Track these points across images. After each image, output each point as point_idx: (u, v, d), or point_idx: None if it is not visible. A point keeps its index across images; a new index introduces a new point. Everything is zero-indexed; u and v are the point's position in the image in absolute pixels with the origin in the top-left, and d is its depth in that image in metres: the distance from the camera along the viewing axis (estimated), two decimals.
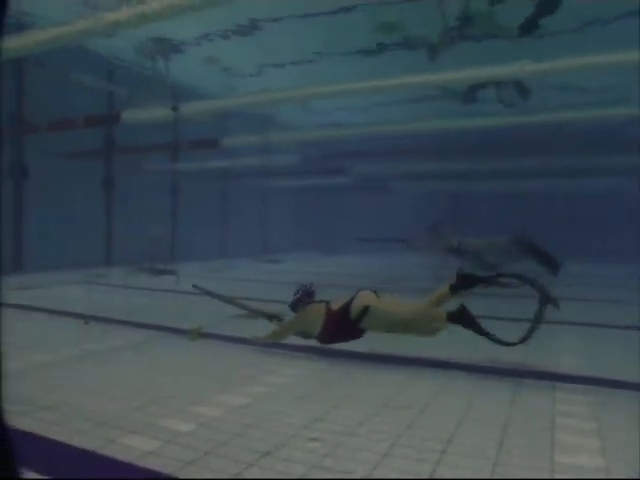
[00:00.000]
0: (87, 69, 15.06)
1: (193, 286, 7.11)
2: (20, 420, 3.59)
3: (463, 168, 21.13)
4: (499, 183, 21.98)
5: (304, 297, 5.78)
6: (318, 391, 4.40)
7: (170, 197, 20.54)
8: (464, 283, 5.17)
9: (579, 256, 18.37)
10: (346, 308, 5.29)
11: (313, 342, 5.70)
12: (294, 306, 5.82)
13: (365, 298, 5.28)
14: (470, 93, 14.48)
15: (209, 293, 6.96)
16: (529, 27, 11.35)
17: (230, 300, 6.82)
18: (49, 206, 15.36)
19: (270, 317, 6.18)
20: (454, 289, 5.18)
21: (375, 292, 5.44)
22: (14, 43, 7.97)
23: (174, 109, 10.99)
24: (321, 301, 5.65)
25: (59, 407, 3.87)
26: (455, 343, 6.04)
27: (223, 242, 23.70)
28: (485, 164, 19.34)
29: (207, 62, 15.78)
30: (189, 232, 20.68)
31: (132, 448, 3.15)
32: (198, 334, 6.28)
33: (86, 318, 7.43)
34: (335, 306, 5.44)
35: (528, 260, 10.90)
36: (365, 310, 5.17)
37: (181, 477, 2.81)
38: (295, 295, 5.84)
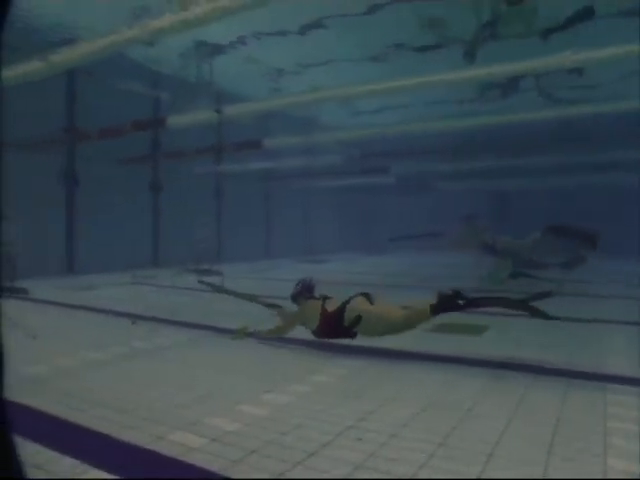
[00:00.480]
0: (133, 76, 15.48)
1: (199, 282, 7.56)
2: (73, 414, 3.71)
3: (507, 164, 20.66)
4: (545, 179, 21.38)
5: (304, 290, 6.07)
6: (363, 390, 4.37)
7: (215, 199, 20.90)
8: (445, 305, 5.09)
9: (624, 254, 17.80)
10: (340, 313, 5.48)
11: (355, 341, 5.70)
12: (294, 298, 6.10)
13: (358, 306, 5.45)
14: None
15: (217, 289, 7.39)
16: (561, 28, 11.12)
17: (238, 294, 7.16)
18: (98, 211, 15.84)
19: (270, 307, 6.60)
20: (435, 310, 5.11)
21: (369, 297, 5.59)
22: (64, 56, 8.26)
23: (217, 112, 11.14)
24: (320, 297, 5.88)
25: (109, 404, 3.97)
26: (500, 342, 5.94)
27: (268, 243, 23.94)
28: (530, 159, 18.83)
29: (249, 63, 15.98)
30: (234, 233, 21.00)
31: (179, 445, 3.20)
32: (244, 334, 6.35)
33: (134, 318, 7.62)
34: (331, 307, 5.63)
35: (566, 249, 10.71)
36: (357, 319, 5.37)
37: (227, 475, 2.84)
38: (296, 287, 6.13)
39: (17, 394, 4.19)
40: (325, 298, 5.85)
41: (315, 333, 5.77)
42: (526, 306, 5.25)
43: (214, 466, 2.91)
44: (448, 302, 5.08)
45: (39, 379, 4.68)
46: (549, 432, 3.41)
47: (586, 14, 10.57)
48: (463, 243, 12.50)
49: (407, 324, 5.26)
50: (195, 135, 16.53)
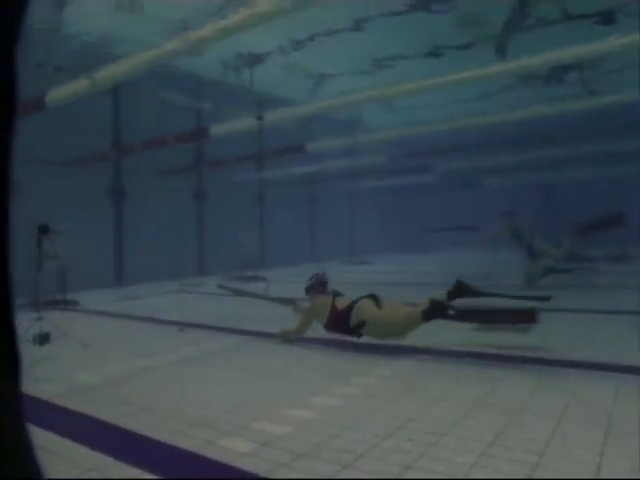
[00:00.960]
0: (176, 87, 15.80)
1: (219, 286, 7.89)
2: (124, 420, 3.76)
3: (554, 157, 20.09)
4: (592, 169, 20.72)
5: (317, 285, 6.35)
6: (410, 390, 4.29)
7: (258, 205, 21.12)
8: (436, 311, 5.30)
9: None
10: (347, 313, 5.72)
11: (398, 341, 5.71)
12: (307, 291, 6.42)
13: (364, 310, 5.62)
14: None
15: (235, 291, 7.86)
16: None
17: (256, 295, 7.55)
18: (145, 221, 16.20)
19: (285, 302, 6.81)
20: (426, 316, 5.31)
21: (376, 298, 5.77)
22: (108, 73, 8.48)
23: (259, 118, 11.22)
24: (331, 292, 6.17)
25: (159, 409, 4.02)
26: (547, 338, 5.77)
27: (313, 246, 24.01)
28: (581, 150, 18.21)
29: (289, 69, 16.12)
30: (279, 238, 21.15)
31: (229, 450, 3.19)
32: (285, 338, 6.36)
33: (181, 325, 7.73)
34: (340, 304, 5.87)
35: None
36: (362, 323, 5.60)
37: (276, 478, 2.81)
38: (310, 281, 6.44)
39: (69, 401, 4.28)
40: (336, 294, 6.09)
41: (325, 327, 6.03)
42: (515, 315, 5.40)
43: (263, 469, 2.89)
44: (438, 309, 5.29)
45: (90, 386, 4.77)
46: (601, 432, 3.25)
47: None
48: (497, 237, 12.56)
49: (404, 329, 5.46)
50: (239, 143, 16.76)
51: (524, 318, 5.30)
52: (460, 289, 5.43)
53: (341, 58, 15.58)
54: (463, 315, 5.38)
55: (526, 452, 2.99)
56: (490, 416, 3.60)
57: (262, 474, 2.86)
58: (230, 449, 3.20)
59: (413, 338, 5.77)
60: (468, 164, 20.53)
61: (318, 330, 6.24)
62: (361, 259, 21.85)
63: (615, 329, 6.40)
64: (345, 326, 5.77)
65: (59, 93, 9.29)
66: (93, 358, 5.97)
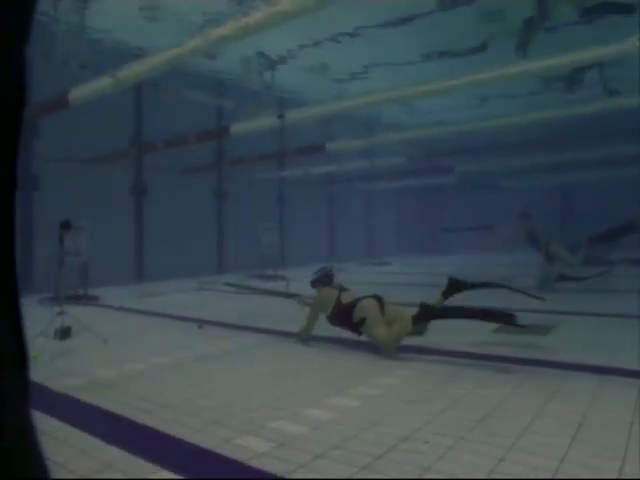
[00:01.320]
0: (198, 87, 15.88)
1: (226, 284, 8.27)
2: (142, 416, 3.78)
3: (574, 159, 19.81)
4: (608, 172, 20.39)
5: (323, 278, 6.42)
6: (429, 392, 4.24)
7: (278, 204, 21.15)
8: (425, 315, 5.38)
9: None
10: (351, 308, 5.81)
11: (417, 343, 5.67)
12: (313, 284, 6.48)
13: (366, 308, 5.69)
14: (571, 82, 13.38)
15: (240, 287, 8.15)
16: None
17: (261, 291, 7.66)
18: (166, 219, 16.34)
19: (290, 296, 6.93)
20: (416, 321, 5.38)
21: (380, 300, 5.80)
22: (131, 71, 8.54)
23: (280, 117, 11.20)
24: (337, 286, 6.25)
25: (175, 406, 4.02)
26: (566, 342, 5.68)
27: (332, 246, 23.96)
28: (598, 152, 17.91)
29: (311, 69, 16.14)
30: (299, 238, 21.17)
31: (246, 449, 3.18)
32: (302, 337, 6.35)
33: (200, 322, 7.76)
34: (345, 299, 5.98)
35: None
36: (363, 321, 5.67)
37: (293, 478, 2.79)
38: (316, 274, 6.52)
39: (88, 396, 4.32)
40: (342, 289, 6.18)
41: (329, 319, 6.12)
42: (500, 316, 5.30)
43: (280, 470, 2.87)
44: (427, 313, 5.35)
45: (109, 382, 4.81)
46: (622, 441, 3.17)
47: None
48: (512, 239, 12.60)
49: (397, 338, 5.46)
50: (260, 142, 16.82)
51: (505, 320, 5.22)
52: (453, 286, 5.69)
53: (365, 58, 15.58)
54: (447, 313, 5.43)
55: (546, 457, 2.93)
56: (510, 420, 3.54)
57: (279, 474, 2.84)
58: (247, 448, 3.19)
59: (433, 338, 5.73)
60: (486, 166, 20.33)
61: (335, 330, 6.21)
62: (380, 260, 21.75)
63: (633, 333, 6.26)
64: (348, 321, 5.87)
65: (82, 91, 9.38)
66: (113, 353, 6.02)
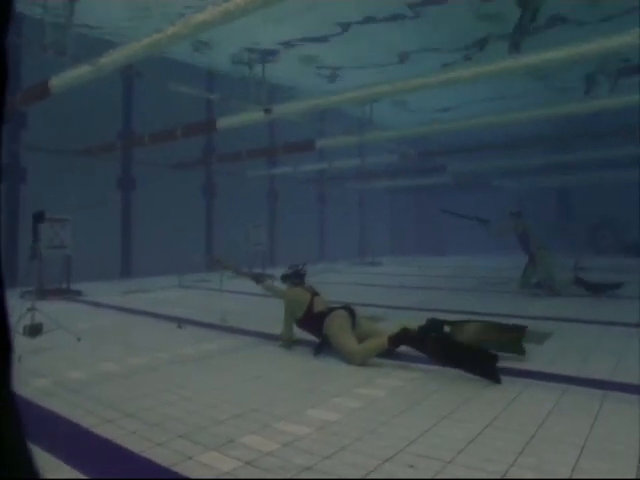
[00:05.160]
0: (188, 80, 15.54)
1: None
2: (102, 426, 3.46)
3: (571, 159, 19.65)
4: (605, 173, 20.26)
5: (294, 276, 6.11)
6: (436, 393, 4.04)
7: (268, 202, 20.81)
8: (400, 340, 5.02)
9: None
10: (321, 318, 5.50)
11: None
12: (284, 279, 6.23)
13: (334, 322, 5.37)
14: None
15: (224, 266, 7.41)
16: None
17: (231, 268, 7.15)
18: (154, 214, 15.98)
19: (256, 278, 6.57)
20: (391, 341, 5.04)
21: (352, 312, 5.49)
22: (112, 58, 8.21)
23: (267, 111, 10.86)
24: (309, 289, 5.94)
25: (141, 415, 3.69)
26: (563, 352, 5.42)
27: (321, 245, 23.63)
28: (596, 153, 17.71)
29: (303, 63, 15.90)
30: (289, 236, 20.84)
31: (209, 467, 2.84)
32: (292, 341, 6.03)
33: (181, 322, 7.45)
34: (317, 305, 5.68)
35: None
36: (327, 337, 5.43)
37: None
38: (288, 270, 6.20)
39: (50, 400, 4.00)
40: (314, 294, 5.85)
41: (298, 322, 5.83)
42: (483, 370, 4.51)
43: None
44: (404, 339, 4.99)
45: (76, 385, 4.47)
46: (635, 450, 2.92)
47: None
48: (502, 235, 12.51)
49: (366, 354, 5.12)
50: (250, 137, 16.53)
51: (489, 376, 4.47)
52: (431, 327, 5.29)
53: (358, 53, 15.32)
54: (427, 346, 4.89)
55: (551, 472, 2.65)
56: (515, 431, 3.28)
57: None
58: (211, 466, 2.88)
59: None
60: (481, 166, 20.13)
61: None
62: (371, 260, 21.45)
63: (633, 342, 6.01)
64: (317, 330, 5.58)
65: (63, 79, 9.04)
66: (85, 353, 5.70)
